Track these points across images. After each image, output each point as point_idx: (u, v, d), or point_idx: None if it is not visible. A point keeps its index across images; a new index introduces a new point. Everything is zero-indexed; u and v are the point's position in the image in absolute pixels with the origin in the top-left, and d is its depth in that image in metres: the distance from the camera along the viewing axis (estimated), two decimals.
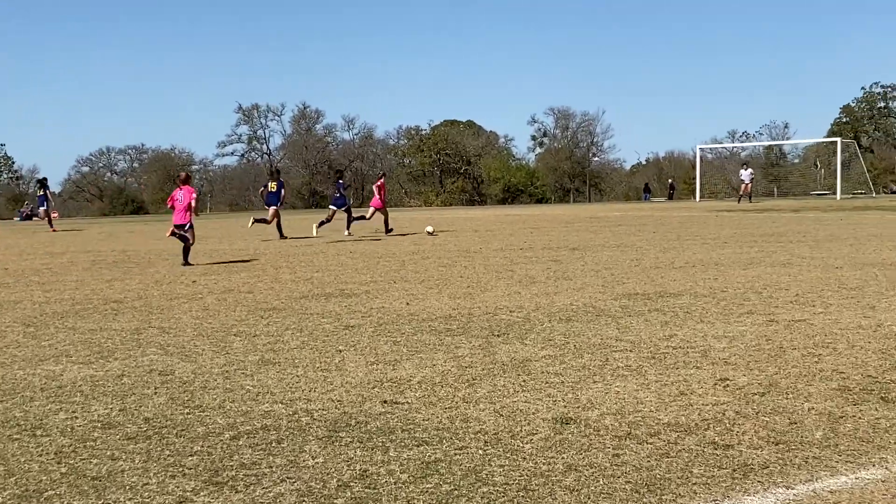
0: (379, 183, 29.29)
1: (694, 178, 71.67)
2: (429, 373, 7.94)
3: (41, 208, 39.96)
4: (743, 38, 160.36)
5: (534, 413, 6.54)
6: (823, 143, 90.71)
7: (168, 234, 19.56)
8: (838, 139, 68.00)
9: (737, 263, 16.54)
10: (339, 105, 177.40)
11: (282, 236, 28.14)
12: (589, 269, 16.12)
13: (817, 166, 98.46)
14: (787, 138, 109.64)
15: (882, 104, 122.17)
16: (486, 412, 6.59)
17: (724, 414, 6.42)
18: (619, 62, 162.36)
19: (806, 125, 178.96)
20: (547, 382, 7.46)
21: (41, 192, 39.78)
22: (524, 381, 7.54)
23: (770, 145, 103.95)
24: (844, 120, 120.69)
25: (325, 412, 6.71)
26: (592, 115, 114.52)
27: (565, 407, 6.68)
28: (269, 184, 28.59)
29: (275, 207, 28.12)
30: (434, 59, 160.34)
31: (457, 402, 6.89)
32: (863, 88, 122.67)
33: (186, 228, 19.20)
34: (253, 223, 29.45)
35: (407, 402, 6.93)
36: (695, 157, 74.80)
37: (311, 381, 7.75)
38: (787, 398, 6.81)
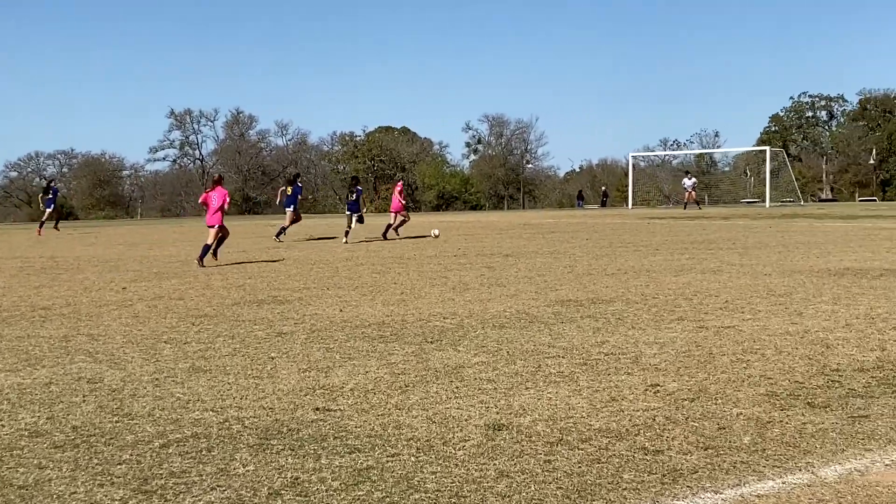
0: (398, 187, 30.80)
1: (626, 186, 72.32)
2: (361, 380, 7.92)
3: (48, 209, 39.27)
4: (674, 47, 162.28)
5: (466, 419, 6.55)
6: (753, 151, 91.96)
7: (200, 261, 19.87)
8: (767, 148, 68.95)
9: (668, 270, 16.73)
10: (272, 111, 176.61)
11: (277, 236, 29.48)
12: (522, 276, 16.20)
13: (747, 174, 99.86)
14: (718, 147, 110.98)
15: (810, 114, 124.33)
16: (419, 419, 6.60)
17: (654, 419, 6.48)
18: (554, 70, 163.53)
19: (736, 134, 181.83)
20: (480, 389, 7.48)
21: (49, 196, 39.30)
22: (457, 387, 7.55)
23: (701, 153, 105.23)
24: (773, 129, 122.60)
25: (256, 420, 6.67)
26: (526, 122, 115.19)
27: (498, 413, 6.70)
28: (286, 188, 30.04)
29: (290, 210, 29.64)
30: (368, 65, 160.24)
31: (389, 409, 6.89)
32: (791, 98, 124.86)
33: (218, 228, 20.17)
34: (279, 234, 29.71)
35: (339, 410, 6.91)
36: (627, 164, 75.48)
37: (242, 388, 7.70)
38: (716, 404, 6.90)
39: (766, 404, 6.86)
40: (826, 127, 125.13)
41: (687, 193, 54.87)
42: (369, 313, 11.93)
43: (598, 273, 16.51)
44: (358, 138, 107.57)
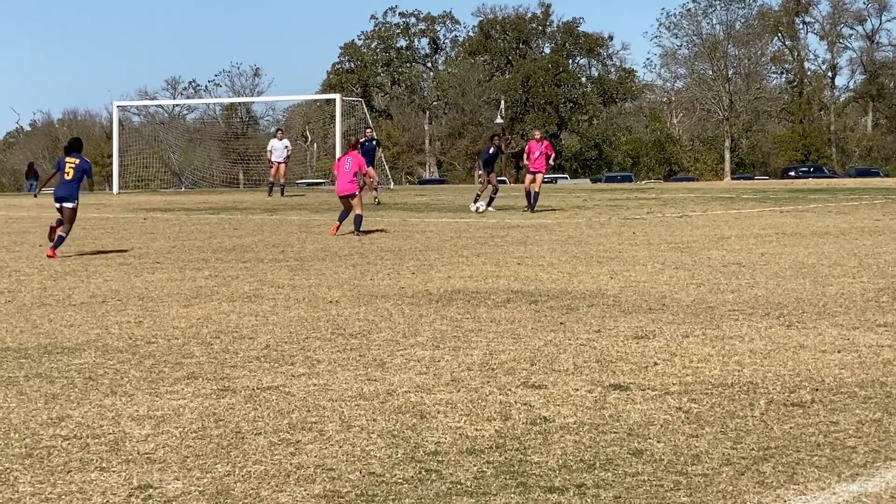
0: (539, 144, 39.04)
1: (110, 156, 72.23)
2: None
3: None
4: None
5: None
6: (316, 102, 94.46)
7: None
8: (337, 96, 71.03)
9: (174, 296, 16.87)
10: None
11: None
12: None
13: (307, 139, 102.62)
14: (259, 93, 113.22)
15: (403, 43, 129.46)
16: None
17: None
18: None
19: (293, 74, 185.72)
20: None
21: None
22: None
23: (232, 104, 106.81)
24: (348, 67, 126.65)
25: None
26: None
27: None
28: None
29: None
30: None
31: None
32: (374, 18, 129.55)
33: (352, 197, 28.76)
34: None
35: None
36: (111, 120, 75.45)
37: None
38: None
39: None
40: (429, 65, 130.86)
41: (275, 167, 51.73)
42: None
43: (57, 302, 16.41)
44: None
